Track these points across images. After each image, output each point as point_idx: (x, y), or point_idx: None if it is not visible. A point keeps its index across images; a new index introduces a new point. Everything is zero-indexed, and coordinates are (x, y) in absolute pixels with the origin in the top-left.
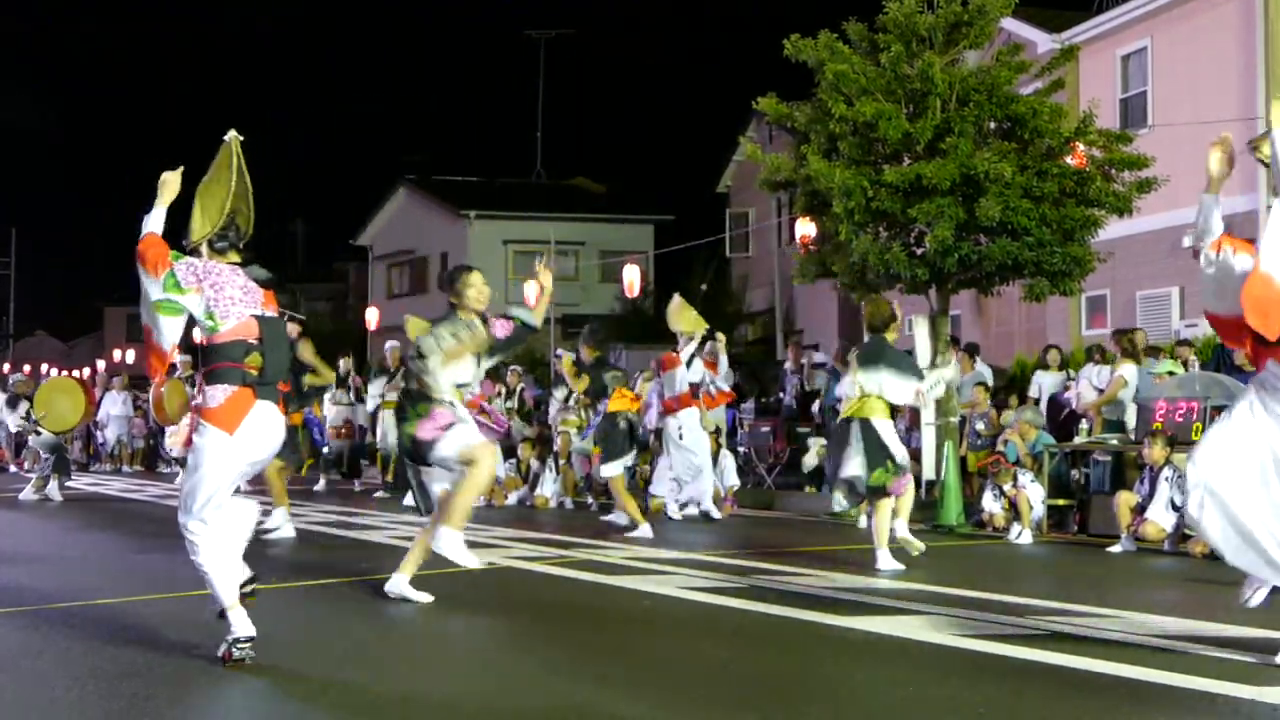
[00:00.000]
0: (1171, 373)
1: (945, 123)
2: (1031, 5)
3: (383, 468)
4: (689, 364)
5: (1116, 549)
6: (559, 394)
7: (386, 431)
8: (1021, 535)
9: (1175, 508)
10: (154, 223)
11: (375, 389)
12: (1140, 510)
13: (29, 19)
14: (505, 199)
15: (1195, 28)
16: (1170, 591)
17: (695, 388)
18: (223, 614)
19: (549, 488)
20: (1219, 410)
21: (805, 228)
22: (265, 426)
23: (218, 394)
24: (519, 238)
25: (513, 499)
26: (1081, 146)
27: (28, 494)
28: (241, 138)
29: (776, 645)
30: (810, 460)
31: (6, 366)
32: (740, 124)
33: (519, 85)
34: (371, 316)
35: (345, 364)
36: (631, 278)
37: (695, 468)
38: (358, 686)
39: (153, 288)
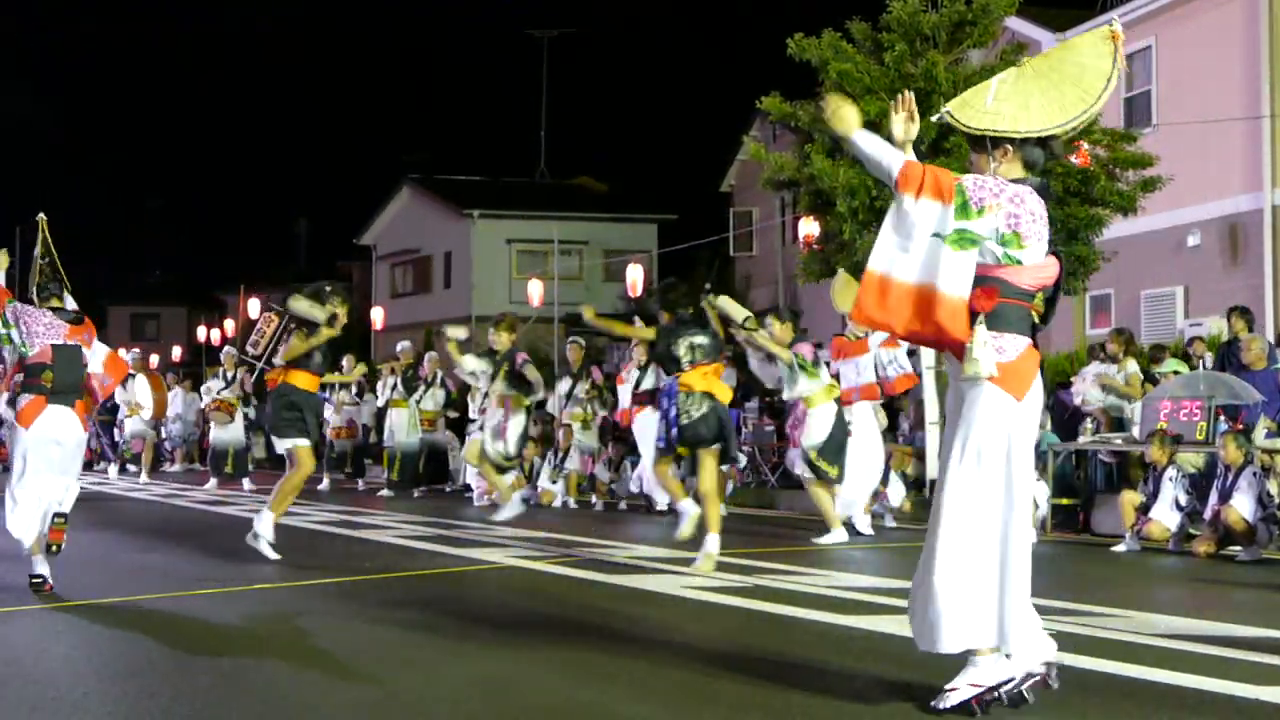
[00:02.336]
0: (1176, 372)
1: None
2: (1035, 4)
3: (388, 466)
4: None
5: (1120, 548)
6: (562, 387)
7: (394, 430)
8: None
9: (1179, 507)
10: None
11: (384, 388)
12: (1145, 510)
13: (30, 18)
14: (509, 198)
15: (1199, 27)
16: (1174, 591)
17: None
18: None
19: (545, 479)
20: (1223, 409)
21: (809, 227)
22: (55, 423)
23: (23, 400)
24: (522, 237)
25: (517, 498)
26: (1085, 146)
27: None
28: (45, 218)
29: (781, 645)
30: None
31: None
32: (743, 123)
33: (522, 84)
34: (376, 316)
35: (349, 363)
36: (635, 277)
37: (859, 469)
38: (362, 686)
39: None
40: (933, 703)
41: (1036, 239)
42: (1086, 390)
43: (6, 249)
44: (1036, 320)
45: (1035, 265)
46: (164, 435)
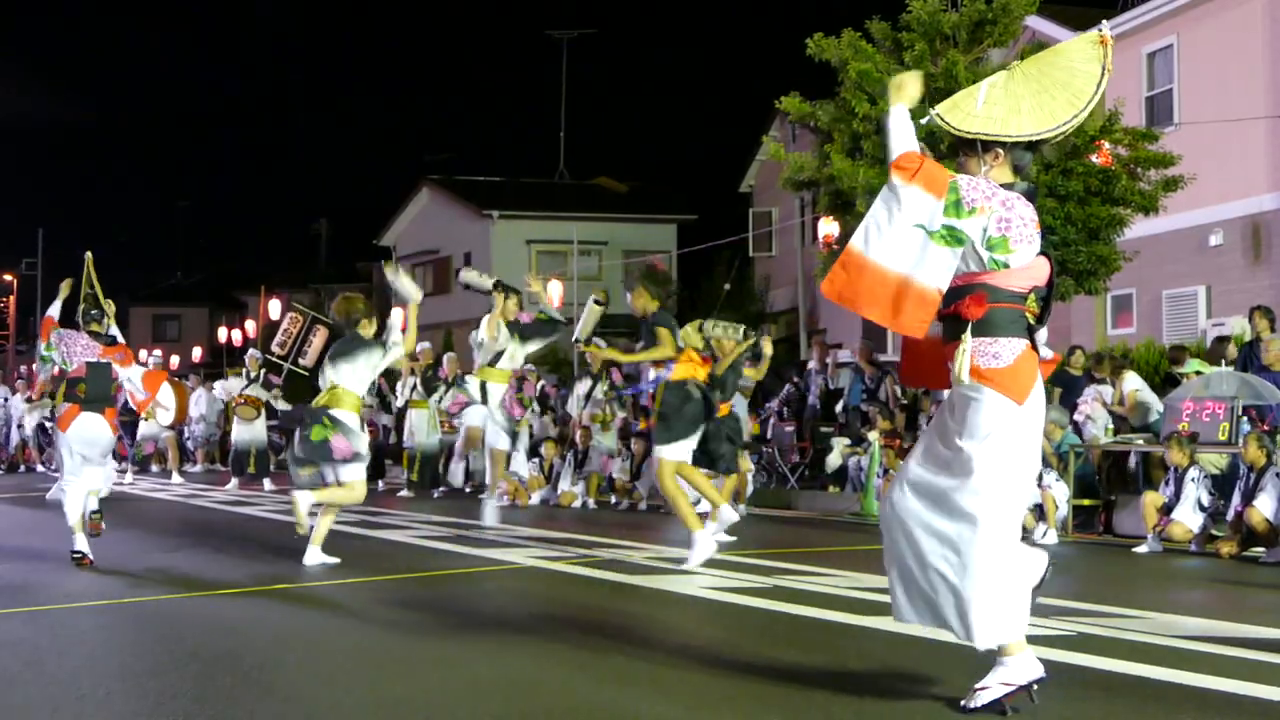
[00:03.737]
0: (1199, 372)
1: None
2: (1056, 3)
3: (408, 466)
4: None
5: (1142, 549)
6: (581, 388)
7: (414, 430)
8: (1046, 535)
9: (1202, 508)
10: (51, 310)
11: (403, 388)
12: (1167, 511)
13: (55, 20)
14: (528, 199)
15: (1221, 25)
16: (1196, 592)
17: None
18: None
19: (566, 482)
20: (1252, 410)
21: (828, 227)
22: (87, 426)
23: (62, 408)
24: (542, 237)
25: (536, 499)
26: (1107, 145)
27: (54, 493)
28: (91, 255)
29: (801, 645)
30: (833, 460)
31: (35, 366)
32: (763, 123)
33: (542, 85)
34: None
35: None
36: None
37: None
38: (383, 685)
39: (40, 345)
40: (963, 702)
41: (1027, 242)
42: (1093, 411)
43: (70, 279)
44: (1032, 321)
45: (1024, 267)
46: (186, 435)
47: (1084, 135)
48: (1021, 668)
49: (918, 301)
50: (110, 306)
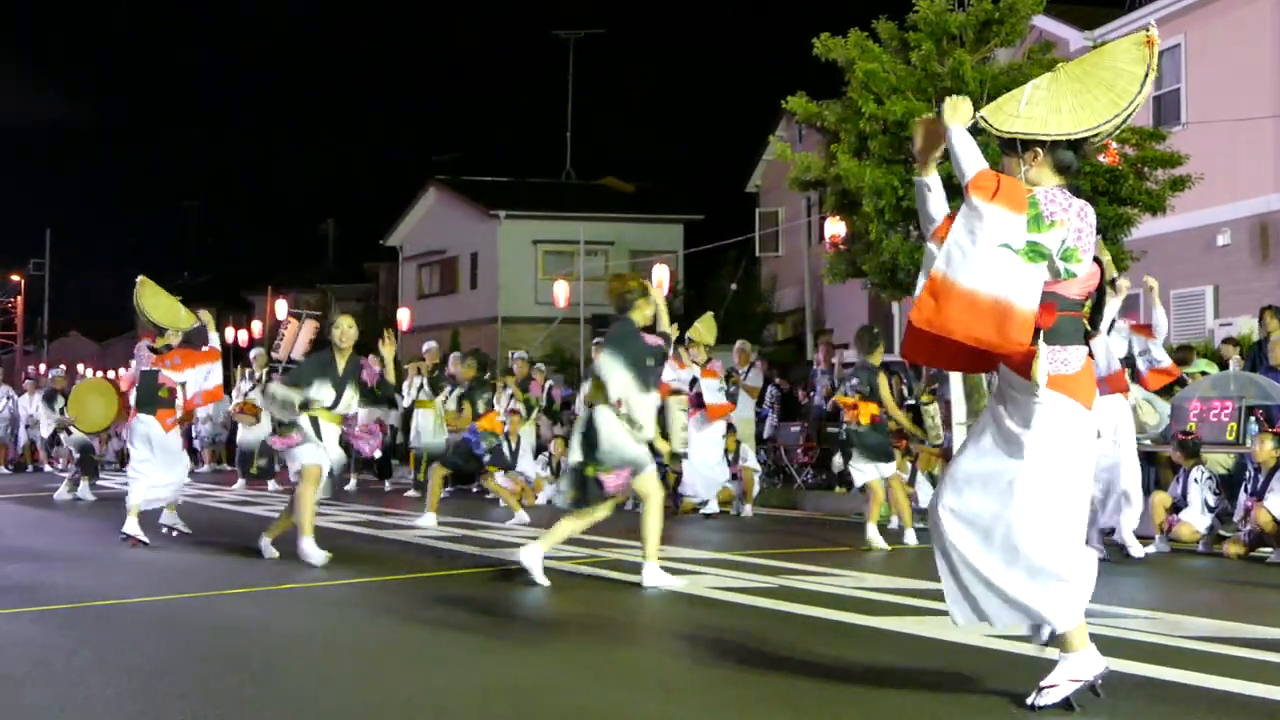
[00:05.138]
0: (1204, 372)
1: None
2: (1063, 2)
3: (414, 467)
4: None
5: (1150, 550)
6: (588, 388)
7: (420, 430)
8: None
9: (1209, 509)
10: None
11: (410, 389)
12: (1175, 511)
13: (63, 19)
14: (535, 199)
15: (1229, 24)
16: (1204, 593)
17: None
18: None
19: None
20: (1255, 410)
21: (835, 227)
22: (140, 424)
23: (131, 412)
24: (549, 237)
25: (543, 498)
26: (1114, 144)
27: (61, 493)
28: (144, 277)
29: (808, 645)
30: (840, 460)
31: (42, 367)
32: (770, 123)
33: (549, 85)
34: (402, 317)
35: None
36: (661, 277)
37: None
38: (390, 686)
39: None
40: (1030, 700)
41: (1088, 251)
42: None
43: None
44: (1088, 328)
45: (1084, 276)
46: (194, 435)
47: None
48: (1086, 662)
49: (1019, 324)
50: (207, 316)
